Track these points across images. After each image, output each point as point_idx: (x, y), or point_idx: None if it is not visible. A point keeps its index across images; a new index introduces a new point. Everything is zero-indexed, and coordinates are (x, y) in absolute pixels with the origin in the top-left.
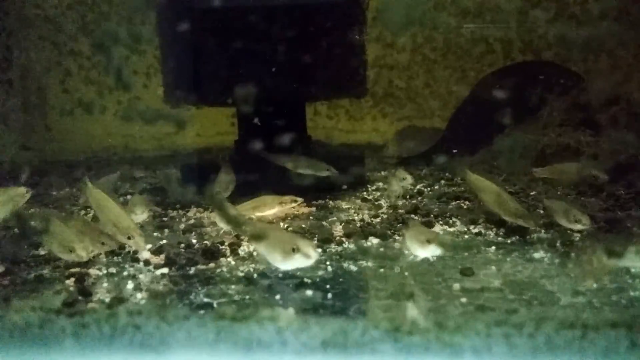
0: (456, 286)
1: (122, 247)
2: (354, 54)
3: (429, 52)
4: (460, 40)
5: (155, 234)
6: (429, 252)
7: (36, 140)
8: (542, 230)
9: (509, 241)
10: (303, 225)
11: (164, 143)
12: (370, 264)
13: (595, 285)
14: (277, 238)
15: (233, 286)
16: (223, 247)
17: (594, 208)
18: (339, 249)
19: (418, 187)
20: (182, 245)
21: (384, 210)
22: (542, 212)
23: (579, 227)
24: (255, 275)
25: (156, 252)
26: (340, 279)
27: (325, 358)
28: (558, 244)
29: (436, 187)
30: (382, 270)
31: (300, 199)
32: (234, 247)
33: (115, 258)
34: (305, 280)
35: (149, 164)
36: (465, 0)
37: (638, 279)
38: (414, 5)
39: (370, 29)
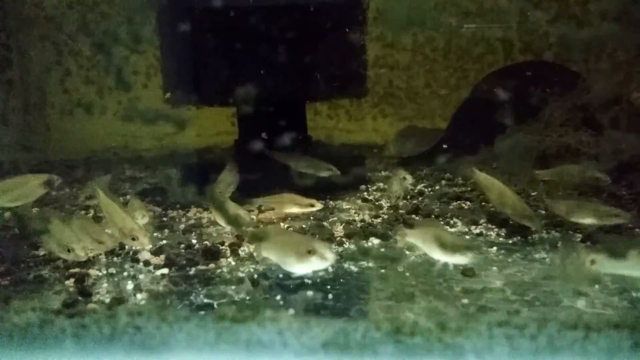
0: (457, 287)
1: (122, 247)
2: (355, 54)
3: (429, 52)
4: (461, 41)
5: (155, 234)
6: (455, 260)
7: (36, 140)
8: (544, 231)
9: (510, 242)
10: (303, 226)
11: (164, 143)
12: (371, 264)
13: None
14: (289, 240)
15: (233, 287)
16: (223, 247)
17: None
18: (340, 249)
19: (419, 187)
20: (182, 245)
21: (384, 210)
22: (543, 212)
23: (616, 221)
24: (255, 276)
25: (156, 252)
26: (341, 280)
27: (326, 359)
28: (559, 245)
29: (437, 188)
30: (383, 270)
31: (319, 205)
32: (234, 248)
33: (115, 258)
34: (306, 281)
35: (149, 164)
36: (466, 1)
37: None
38: (415, 5)
39: (371, 29)
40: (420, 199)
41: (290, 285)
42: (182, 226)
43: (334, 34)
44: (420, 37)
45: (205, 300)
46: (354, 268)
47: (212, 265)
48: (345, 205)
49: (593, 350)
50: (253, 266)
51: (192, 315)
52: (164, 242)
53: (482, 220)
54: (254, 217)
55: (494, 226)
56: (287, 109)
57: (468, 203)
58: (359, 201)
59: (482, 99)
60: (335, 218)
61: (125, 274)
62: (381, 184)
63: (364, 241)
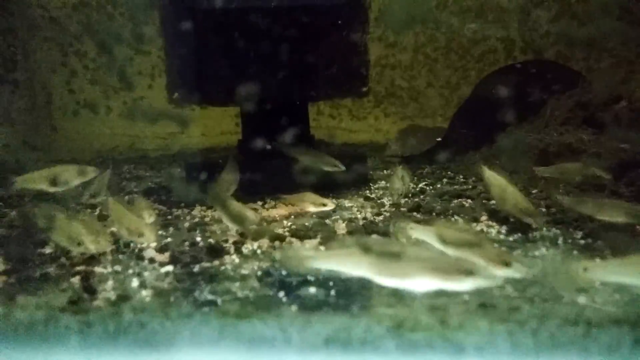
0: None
1: (127, 245)
2: (357, 53)
3: (430, 52)
4: (463, 40)
5: (160, 232)
6: (504, 273)
7: (42, 139)
8: (544, 228)
9: (511, 239)
10: (306, 224)
11: (169, 143)
12: None
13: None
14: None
15: (237, 284)
16: (227, 244)
17: None
18: None
19: (420, 185)
20: (187, 243)
21: (386, 208)
22: (544, 210)
23: None
24: (259, 273)
25: (161, 250)
26: (343, 277)
27: (328, 355)
28: (560, 242)
29: (438, 186)
30: None
31: (331, 205)
32: (238, 245)
33: (120, 256)
34: (309, 277)
35: (154, 164)
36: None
37: None
38: (416, 4)
39: (373, 29)
40: (421, 197)
41: (293, 283)
42: (186, 224)
43: (336, 34)
44: (422, 36)
45: (209, 297)
46: None
47: (216, 263)
48: (347, 203)
49: (594, 347)
50: (257, 263)
51: (195, 312)
52: (169, 239)
53: (483, 218)
54: (261, 214)
55: (494, 223)
56: (290, 109)
57: (469, 201)
58: (361, 199)
59: (483, 98)
60: (338, 216)
61: (131, 271)
62: (383, 182)
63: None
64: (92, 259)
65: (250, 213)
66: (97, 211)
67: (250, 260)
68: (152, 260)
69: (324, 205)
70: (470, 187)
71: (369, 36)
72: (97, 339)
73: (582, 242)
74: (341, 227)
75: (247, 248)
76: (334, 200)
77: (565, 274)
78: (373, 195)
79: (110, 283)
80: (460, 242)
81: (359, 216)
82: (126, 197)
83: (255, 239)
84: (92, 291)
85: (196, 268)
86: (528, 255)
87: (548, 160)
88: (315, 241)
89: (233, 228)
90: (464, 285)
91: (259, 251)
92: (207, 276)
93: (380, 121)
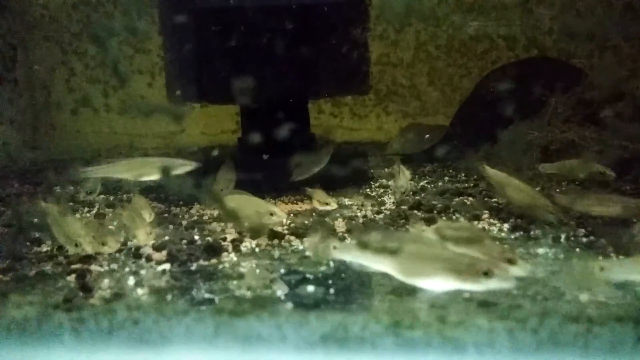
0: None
1: (124, 243)
2: (358, 51)
3: (432, 50)
4: (465, 38)
5: (157, 230)
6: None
7: (42, 138)
8: (546, 226)
9: (512, 237)
10: (306, 222)
11: (168, 141)
12: None
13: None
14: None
15: (235, 282)
16: (225, 243)
17: None
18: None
19: (421, 183)
20: (185, 241)
21: (387, 206)
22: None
23: None
24: (257, 271)
25: (158, 248)
26: (342, 275)
27: (325, 353)
28: (562, 240)
29: (440, 184)
30: None
31: (334, 205)
32: (236, 244)
33: (116, 254)
34: (308, 276)
35: None
36: None
37: None
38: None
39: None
40: (422, 194)
41: (292, 281)
42: (184, 222)
43: (337, 32)
44: (423, 34)
45: (206, 296)
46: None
47: (214, 261)
48: (347, 201)
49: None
50: (255, 261)
51: (192, 310)
52: (166, 238)
53: (484, 215)
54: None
55: (496, 221)
56: (291, 107)
57: (470, 199)
58: (362, 197)
59: (486, 95)
60: (338, 214)
61: (127, 269)
62: (384, 181)
63: None
64: (89, 257)
65: (276, 208)
66: (94, 210)
67: (249, 258)
68: (149, 259)
69: (327, 204)
70: (471, 184)
71: (370, 33)
72: (92, 336)
73: (585, 239)
74: (341, 225)
75: (245, 246)
76: (333, 199)
77: (581, 274)
78: (373, 194)
79: (106, 281)
80: (463, 240)
81: (359, 214)
82: (124, 196)
83: (253, 237)
84: (88, 289)
85: (194, 266)
86: (529, 252)
87: (550, 158)
88: (315, 240)
89: (243, 225)
90: (482, 285)
91: (257, 249)
92: (205, 274)
93: (381, 119)
